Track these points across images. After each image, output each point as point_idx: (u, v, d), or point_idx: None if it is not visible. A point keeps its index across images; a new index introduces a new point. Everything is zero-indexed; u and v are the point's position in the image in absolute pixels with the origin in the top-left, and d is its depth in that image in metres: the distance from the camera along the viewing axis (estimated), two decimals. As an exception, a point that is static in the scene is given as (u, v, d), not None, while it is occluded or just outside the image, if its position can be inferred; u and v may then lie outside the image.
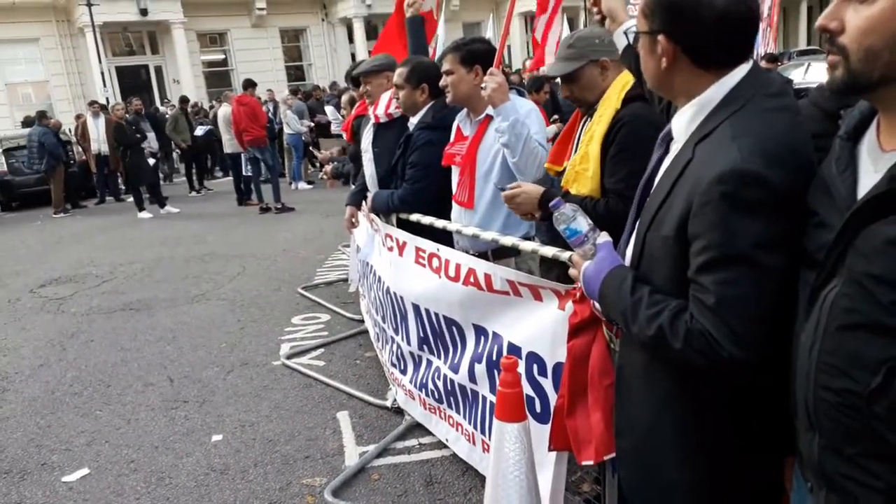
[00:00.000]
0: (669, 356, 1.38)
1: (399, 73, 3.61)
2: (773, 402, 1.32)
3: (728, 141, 1.31)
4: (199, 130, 14.75)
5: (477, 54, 3.13)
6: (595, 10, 2.25)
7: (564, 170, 2.65)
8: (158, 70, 23.74)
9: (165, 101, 20.92)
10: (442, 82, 3.18)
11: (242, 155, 11.64)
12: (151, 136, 14.04)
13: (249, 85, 11.90)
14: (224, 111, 12.12)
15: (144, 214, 11.79)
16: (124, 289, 7.16)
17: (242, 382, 4.51)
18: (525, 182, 2.73)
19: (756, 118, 1.34)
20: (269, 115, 13.37)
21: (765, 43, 11.37)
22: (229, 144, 11.85)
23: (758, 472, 1.45)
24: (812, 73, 14.30)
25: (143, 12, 21.33)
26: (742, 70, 1.42)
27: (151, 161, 12.88)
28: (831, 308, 1.12)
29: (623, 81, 2.49)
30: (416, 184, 3.51)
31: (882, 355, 1.04)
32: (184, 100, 15.80)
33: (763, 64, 9.18)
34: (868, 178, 1.12)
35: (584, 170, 2.48)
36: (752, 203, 1.25)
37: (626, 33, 2.16)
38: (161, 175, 14.71)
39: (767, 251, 1.26)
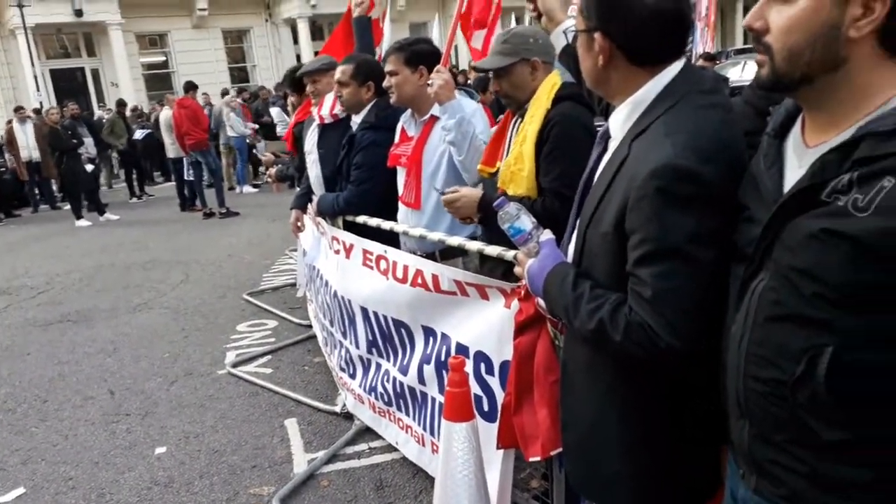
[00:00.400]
0: (610, 349, 1.40)
1: (343, 71, 3.54)
2: (709, 393, 1.35)
3: (662, 137, 1.33)
4: (138, 134, 14.36)
5: (422, 55, 3.11)
6: (531, 6, 2.25)
7: (497, 171, 2.66)
8: (95, 73, 22.97)
9: (101, 104, 20.23)
10: (386, 83, 3.15)
11: (184, 159, 11.38)
12: (89, 141, 13.59)
13: (190, 87, 11.66)
14: (166, 115, 11.82)
15: (82, 222, 11.41)
16: (61, 299, 6.91)
17: (186, 393, 4.39)
18: (463, 187, 2.73)
19: (689, 115, 1.36)
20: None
21: (703, 42, 11.65)
22: (172, 149, 11.57)
23: (696, 463, 1.48)
24: (748, 72, 14.76)
25: (78, 13, 20.59)
26: (675, 68, 1.44)
27: (90, 167, 12.48)
28: (759, 300, 1.14)
29: (552, 82, 2.51)
30: (362, 185, 3.47)
31: (804, 345, 1.07)
32: (121, 103, 15.37)
33: (701, 62, 9.41)
34: (793, 174, 1.15)
35: (519, 170, 2.48)
36: (686, 197, 1.28)
37: (565, 33, 2.17)
38: (100, 181, 14.26)
39: (701, 245, 1.28)
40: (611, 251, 1.41)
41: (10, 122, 14.36)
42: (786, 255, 1.09)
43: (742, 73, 15.06)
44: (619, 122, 1.50)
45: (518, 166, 2.48)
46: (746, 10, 35.34)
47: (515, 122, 2.66)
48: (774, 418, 1.13)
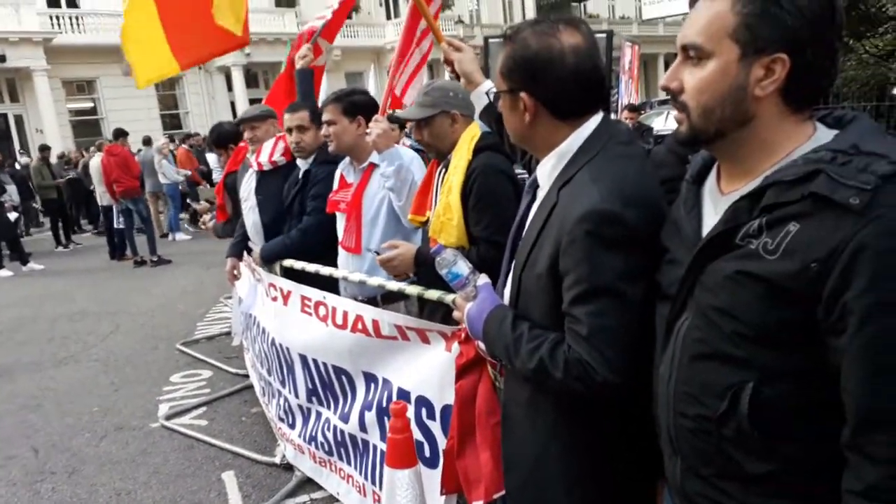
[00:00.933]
0: (551, 386, 1.46)
1: (301, 117, 3.57)
2: (646, 429, 1.41)
3: (588, 184, 1.43)
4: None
5: (359, 105, 3.19)
6: (449, 69, 2.36)
7: (427, 220, 2.74)
8: (19, 119, 22.21)
9: (21, 151, 19.35)
10: (324, 132, 3.21)
11: (114, 207, 11.09)
12: (12, 188, 13.09)
13: (120, 134, 11.43)
14: (95, 162, 11.52)
15: (4, 272, 10.88)
16: (-20, 354, 6.57)
17: (117, 448, 4.22)
18: (399, 241, 2.80)
19: (611, 164, 1.47)
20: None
21: (627, 94, 12.18)
22: (103, 196, 11.26)
23: (636, 497, 1.53)
24: (671, 121, 15.39)
25: (1, 59, 19.99)
26: (594, 121, 1.55)
27: (13, 215, 11.99)
28: (684, 339, 1.22)
29: (471, 133, 2.61)
30: (320, 214, 3.48)
31: (727, 382, 1.14)
32: (43, 148, 14.91)
33: (626, 114, 9.82)
34: (710, 219, 1.24)
35: (448, 220, 2.55)
36: (613, 239, 1.37)
37: (487, 94, 2.29)
38: (21, 229, 13.69)
39: (630, 283, 1.37)
40: (546, 292, 1.48)
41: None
42: (706, 296, 1.17)
43: (665, 122, 15.75)
44: (546, 172, 1.59)
45: (447, 216, 2.55)
46: (668, 63, 37.28)
47: (441, 172, 2.75)
48: (703, 453, 1.20)
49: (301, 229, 3.53)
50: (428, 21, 2.82)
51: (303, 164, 3.68)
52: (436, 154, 2.77)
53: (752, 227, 1.10)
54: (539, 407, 1.58)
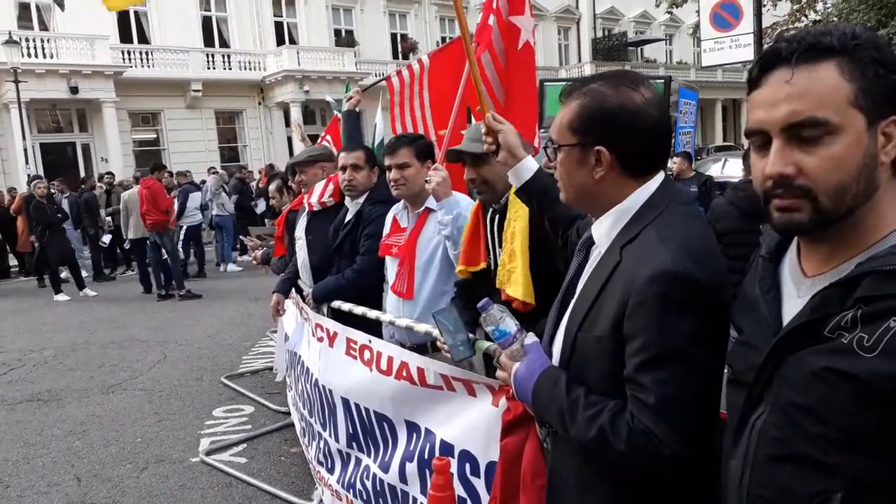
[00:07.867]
0: (612, 458, 1.37)
1: (357, 156, 3.61)
2: None
3: (656, 244, 1.37)
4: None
5: (429, 149, 3.20)
6: (489, 140, 2.17)
7: (481, 270, 2.67)
8: (86, 147, 23.11)
9: (84, 178, 19.87)
10: (394, 175, 3.14)
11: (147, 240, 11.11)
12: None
13: (157, 168, 11.74)
14: (126, 194, 11.66)
15: (61, 297, 11.22)
16: (33, 378, 6.71)
17: (157, 481, 4.22)
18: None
19: (677, 223, 1.42)
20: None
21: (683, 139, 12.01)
22: (132, 229, 11.38)
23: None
24: (728, 168, 15.22)
25: (74, 90, 20.88)
26: (658, 179, 1.50)
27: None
28: (759, 436, 1.11)
29: None
30: (375, 254, 3.45)
31: (811, 490, 1.02)
32: (101, 177, 15.55)
33: (677, 160, 9.48)
34: (791, 303, 1.13)
35: (514, 268, 2.47)
36: (684, 301, 1.30)
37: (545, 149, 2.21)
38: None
39: (700, 347, 1.30)
40: (607, 354, 1.41)
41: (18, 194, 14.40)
42: (787, 391, 1.06)
43: (722, 170, 15.50)
44: (604, 230, 1.53)
45: (512, 265, 2.47)
46: (725, 109, 36.83)
47: (492, 217, 2.66)
48: None
49: (356, 270, 3.50)
50: (478, 88, 2.62)
51: (352, 206, 3.68)
52: (489, 196, 2.66)
53: (845, 319, 0.98)
54: (590, 481, 1.48)
